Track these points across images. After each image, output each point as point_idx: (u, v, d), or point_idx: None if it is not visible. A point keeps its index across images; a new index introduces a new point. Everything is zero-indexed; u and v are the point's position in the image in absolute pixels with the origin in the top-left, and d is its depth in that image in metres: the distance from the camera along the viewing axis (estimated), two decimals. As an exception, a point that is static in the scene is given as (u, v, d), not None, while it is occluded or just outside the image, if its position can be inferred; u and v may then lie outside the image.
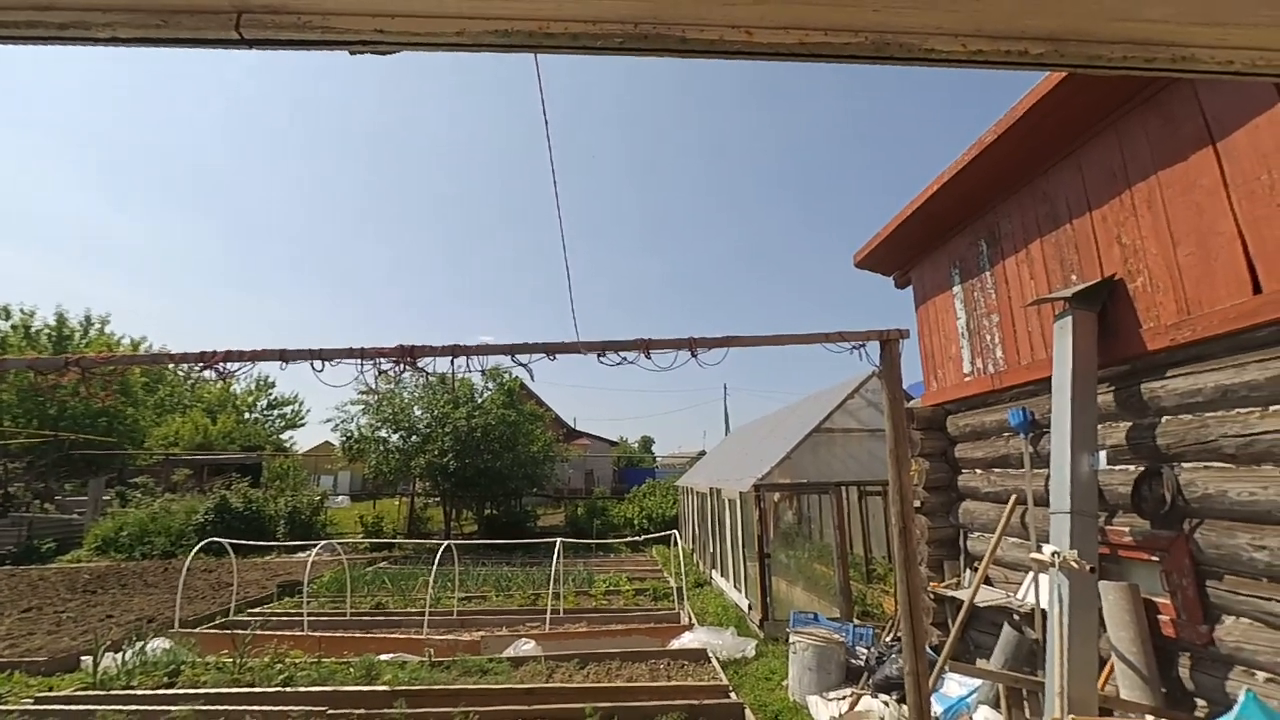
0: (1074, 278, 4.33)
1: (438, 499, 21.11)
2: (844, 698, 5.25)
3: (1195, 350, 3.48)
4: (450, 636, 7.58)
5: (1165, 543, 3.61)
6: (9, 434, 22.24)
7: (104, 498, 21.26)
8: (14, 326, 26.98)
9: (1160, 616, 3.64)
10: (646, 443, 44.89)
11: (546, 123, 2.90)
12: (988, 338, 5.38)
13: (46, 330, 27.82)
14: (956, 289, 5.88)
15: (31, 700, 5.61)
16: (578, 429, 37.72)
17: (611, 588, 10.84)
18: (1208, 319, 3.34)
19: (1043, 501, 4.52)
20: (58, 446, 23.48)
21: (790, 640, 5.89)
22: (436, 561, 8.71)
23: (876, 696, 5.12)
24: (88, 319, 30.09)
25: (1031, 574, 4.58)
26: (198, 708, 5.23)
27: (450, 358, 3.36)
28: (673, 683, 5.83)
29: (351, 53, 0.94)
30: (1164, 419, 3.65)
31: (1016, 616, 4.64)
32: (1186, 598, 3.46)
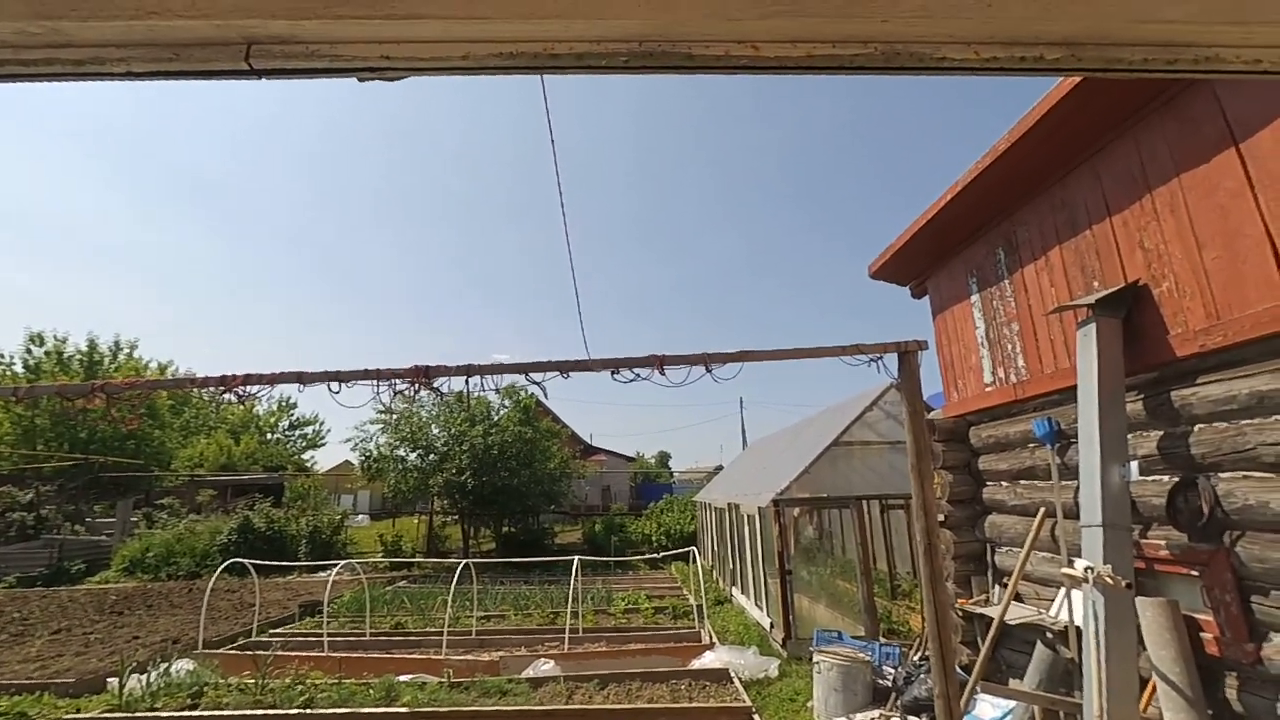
0: (1096, 284, 4.24)
1: (456, 517, 21.14)
2: (871, 719, 5.10)
3: (1227, 356, 3.37)
4: (469, 657, 7.54)
5: (1205, 556, 3.47)
6: (42, 458, 22.81)
7: (131, 519, 21.65)
8: (47, 353, 27.78)
9: (1203, 634, 3.48)
10: (663, 458, 44.71)
11: (553, 143, 2.94)
12: (1008, 346, 5.28)
13: (79, 356, 28.59)
14: (974, 298, 5.78)
15: (58, 723, 5.67)
16: (594, 445, 37.66)
17: (630, 606, 10.72)
18: (1239, 323, 3.23)
19: (1072, 514, 4.38)
20: (88, 469, 24.00)
21: (814, 660, 5.75)
22: (455, 580, 8.69)
23: (906, 718, 4.96)
24: (117, 344, 30.87)
25: (1064, 590, 4.43)
26: (219, 731, 5.25)
27: (465, 377, 3.37)
28: (694, 704, 5.72)
29: (360, 79, 0.95)
30: (1197, 427, 3.53)
31: (1050, 634, 4.47)
32: (1230, 614, 3.31)
